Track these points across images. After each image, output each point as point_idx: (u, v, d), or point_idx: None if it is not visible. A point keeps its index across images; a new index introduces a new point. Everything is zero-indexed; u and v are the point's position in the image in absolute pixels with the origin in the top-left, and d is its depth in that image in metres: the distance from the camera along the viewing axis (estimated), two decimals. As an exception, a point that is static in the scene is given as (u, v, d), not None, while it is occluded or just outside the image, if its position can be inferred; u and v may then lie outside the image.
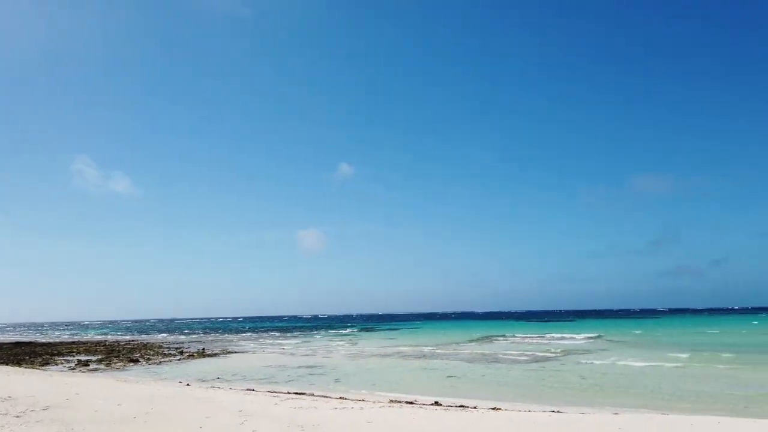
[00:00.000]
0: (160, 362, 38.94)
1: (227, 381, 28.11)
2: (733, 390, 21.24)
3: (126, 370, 34.58)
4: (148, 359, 41.06)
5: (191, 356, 43.49)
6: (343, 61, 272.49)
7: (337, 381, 27.50)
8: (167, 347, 55.41)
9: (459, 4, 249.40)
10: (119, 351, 49.20)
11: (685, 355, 33.92)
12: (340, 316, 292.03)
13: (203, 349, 51.71)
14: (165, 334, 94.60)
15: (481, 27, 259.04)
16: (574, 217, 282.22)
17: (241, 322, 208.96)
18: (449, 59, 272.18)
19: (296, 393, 18.81)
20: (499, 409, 13.75)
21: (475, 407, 14.22)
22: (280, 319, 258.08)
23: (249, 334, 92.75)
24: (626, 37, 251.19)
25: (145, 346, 57.97)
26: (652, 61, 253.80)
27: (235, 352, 48.17)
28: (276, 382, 27.38)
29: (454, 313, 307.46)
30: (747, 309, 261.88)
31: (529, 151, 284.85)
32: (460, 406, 14.26)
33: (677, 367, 29.29)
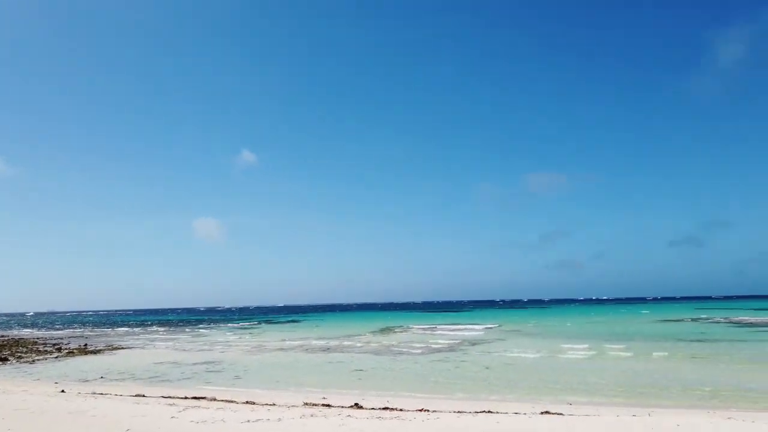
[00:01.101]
0: (34, 360, 34.93)
1: (113, 382, 25.49)
2: (630, 379, 22.23)
3: (-9, 370, 30.50)
4: (20, 357, 36.74)
5: (71, 353, 39.53)
6: (248, 45, 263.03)
7: (237, 378, 25.81)
8: (43, 343, 50.19)
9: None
10: (-16, 349, 43.65)
11: (582, 346, 35.47)
12: (238, 308, 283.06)
13: (85, 344, 47.34)
14: (43, 330, 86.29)
15: (382, 19, 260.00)
16: (473, 213, 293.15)
17: (130, 315, 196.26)
18: (354, 56, 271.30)
19: (195, 398, 16.37)
20: (427, 410, 12.81)
21: (401, 409, 13.05)
22: (174, 312, 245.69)
23: (139, 328, 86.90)
24: (530, 37, 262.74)
25: (17, 342, 52.14)
26: (553, 60, 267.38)
27: (123, 348, 44.49)
28: (168, 381, 25.23)
29: (354, 305, 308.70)
30: (621, 299, 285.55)
31: (429, 145, 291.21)
32: (384, 408, 13.11)
33: (577, 358, 30.45)
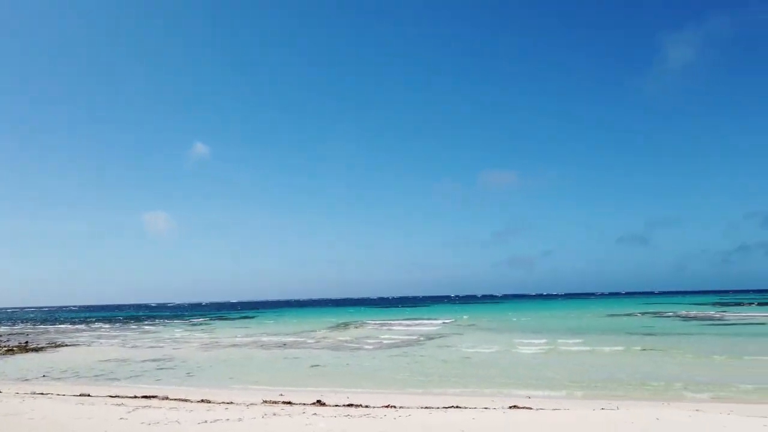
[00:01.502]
0: (-32, 359, 32.84)
1: (56, 380, 24.18)
2: (588, 373, 22.55)
3: None
4: (-47, 356, 34.47)
5: (10, 351, 37.44)
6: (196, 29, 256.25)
7: (189, 375, 24.90)
8: (-21, 341, 47.37)
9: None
10: None
11: (538, 340, 35.97)
12: (189, 304, 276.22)
13: (26, 342, 45.00)
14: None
15: (333, 17, 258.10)
16: (429, 209, 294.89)
17: (75, 311, 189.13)
18: (309, 47, 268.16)
19: (146, 396, 15.40)
20: (393, 406, 12.32)
21: (366, 405, 12.65)
22: (122, 308, 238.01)
23: (83, 325, 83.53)
24: (488, 32, 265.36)
25: (-50, 340, 49.05)
26: (512, 54, 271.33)
27: (66, 345, 42.49)
28: (116, 380, 24.10)
29: (309, 300, 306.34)
30: (571, 295, 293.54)
31: (389, 143, 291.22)
32: (348, 405, 12.58)
33: (534, 352, 30.77)
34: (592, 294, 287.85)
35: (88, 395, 15.64)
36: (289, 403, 11.97)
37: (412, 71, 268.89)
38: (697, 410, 12.55)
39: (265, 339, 44.03)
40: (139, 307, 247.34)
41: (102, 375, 25.52)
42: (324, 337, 44.10)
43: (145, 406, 11.04)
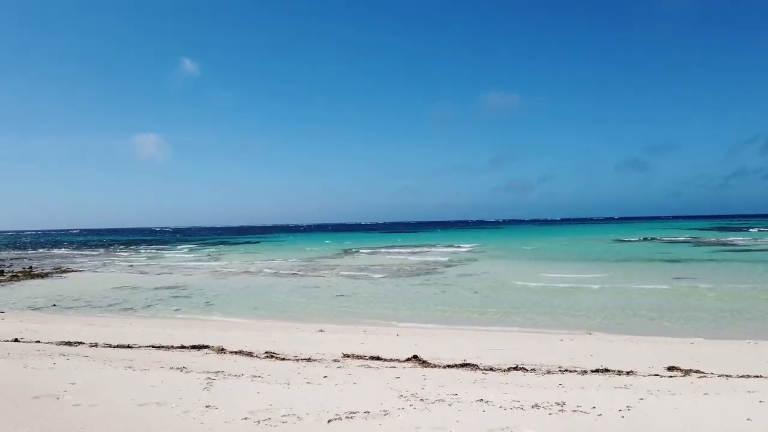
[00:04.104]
0: (-27, 286, 31.67)
1: (68, 309, 22.99)
2: (661, 307, 21.37)
3: (-77, 298, 27.23)
4: (-44, 283, 33.29)
5: (15, 277, 36.29)
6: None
7: (208, 304, 23.78)
8: (-19, 267, 46.29)
9: None
10: None
11: (567, 274, 34.93)
12: (188, 228, 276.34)
13: (30, 267, 43.91)
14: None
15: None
16: (425, 133, 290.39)
17: (74, 235, 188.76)
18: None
19: (195, 347, 11.32)
20: (524, 367, 9.18)
21: (473, 364, 9.41)
22: (120, 232, 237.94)
23: (86, 249, 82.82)
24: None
25: (-49, 265, 47.95)
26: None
27: (72, 271, 41.42)
28: (132, 309, 22.93)
29: (304, 226, 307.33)
30: (567, 220, 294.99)
31: (382, 65, 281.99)
32: (460, 365, 9.33)
33: (572, 286, 29.70)
34: (589, 219, 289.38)
35: (128, 347, 11.37)
36: (378, 358, 9.58)
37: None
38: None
39: (275, 265, 43.05)
40: (137, 231, 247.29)
41: (116, 304, 24.34)
42: (336, 265, 43.15)
43: (217, 372, 7.86)
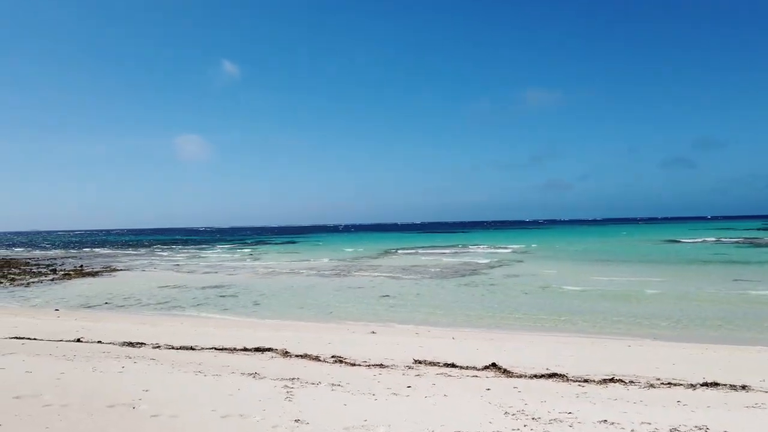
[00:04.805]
0: (29, 283, 32.52)
1: (119, 308, 23.22)
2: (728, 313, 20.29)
3: (-17, 295, 28.02)
4: (13, 280, 34.26)
5: (67, 275, 37.14)
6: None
7: (255, 304, 23.70)
8: (36, 264, 47.71)
9: None
10: (-28, 270, 40.96)
11: (621, 277, 33.74)
12: (228, 228, 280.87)
13: (81, 266, 44.96)
14: (30, 249, 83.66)
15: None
16: (464, 130, 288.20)
17: (118, 234, 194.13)
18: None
19: (258, 349, 10.99)
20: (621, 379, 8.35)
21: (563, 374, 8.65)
22: (161, 231, 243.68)
23: (130, 249, 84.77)
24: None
25: (8, 262, 49.57)
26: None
27: (120, 270, 42.20)
28: (181, 307, 23.05)
29: (345, 226, 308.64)
30: (608, 220, 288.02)
31: (422, 63, 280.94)
32: (550, 375, 8.57)
33: (628, 290, 28.62)
34: (631, 219, 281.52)
35: (191, 348, 10.90)
36: (453, 365, 9.00)
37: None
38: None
39: (316, 265, 42.98)
40: (175, 231, 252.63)
41: (165, 302, 24.50)
42: (377, 265, 42.78)
43: (292, 379, 7.35)
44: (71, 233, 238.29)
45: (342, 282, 31.13)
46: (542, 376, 8.50)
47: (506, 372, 8.61)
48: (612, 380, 8.12)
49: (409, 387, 6.93)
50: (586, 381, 7.92)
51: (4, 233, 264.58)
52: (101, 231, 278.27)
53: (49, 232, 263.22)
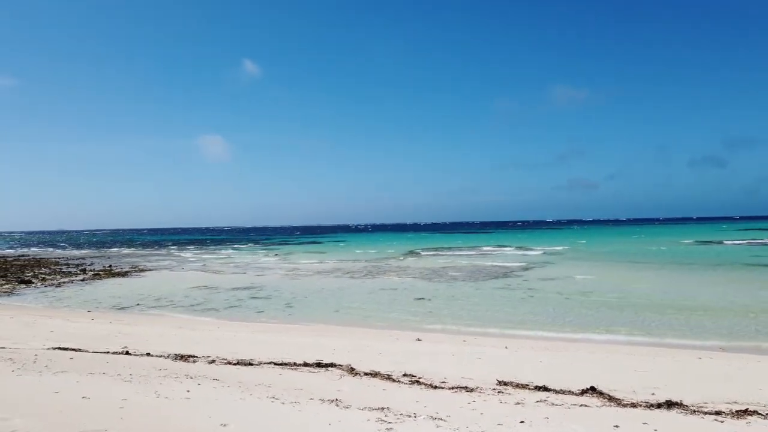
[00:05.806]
0: (60, 283, 32.57)
1: (152, 309, 22.97)
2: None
3: (17, 294, 28.09)
4: (44, 279, 34.40)
5: (97, 275, 37.22)
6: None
7: (288, 306, 23.23)
8: (66, 264, 48.08)
9: None
10: (6, 269, 41.43)
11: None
12: (252, 228, 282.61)
13: (110, 266, 45.15)
14: (59, 249, 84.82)
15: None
16: (486, 129, 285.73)
17: (144, 234, 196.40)
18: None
19: (319, 364, 10.00)
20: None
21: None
22: (187, 231, 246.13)
23: (157, 248, 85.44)
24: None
25: (38, 262, 50.10)
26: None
27: (149, 270, 42.25)
28: (214, 309, 22.69)
29: (365, 225, 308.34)
30: (635, 220, 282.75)
31: (443, 61, 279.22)
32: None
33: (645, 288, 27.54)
34: (658, 219, 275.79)
35: (249, 364, 9.91)
36: (545, 388, 7.97)
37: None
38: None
39: (344, 266, 42.49)
40: (199, 230, 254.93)
41: (198, 304, 24.19)
42: (406, 266, 42.13)
43: (382, 409, 6.45)
44: (98, 232, 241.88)
45: (373, 283, 30.55)
46: (659, 405, 7.23)
47: (612, 399, 7.53)
48: (746, 412, 6.88)
49: (522, 423, 5.99)
50: (718, 413, 6.86)
51: (32, 232, 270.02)
52: (125, 230, 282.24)
53: (79, 232, 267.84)
